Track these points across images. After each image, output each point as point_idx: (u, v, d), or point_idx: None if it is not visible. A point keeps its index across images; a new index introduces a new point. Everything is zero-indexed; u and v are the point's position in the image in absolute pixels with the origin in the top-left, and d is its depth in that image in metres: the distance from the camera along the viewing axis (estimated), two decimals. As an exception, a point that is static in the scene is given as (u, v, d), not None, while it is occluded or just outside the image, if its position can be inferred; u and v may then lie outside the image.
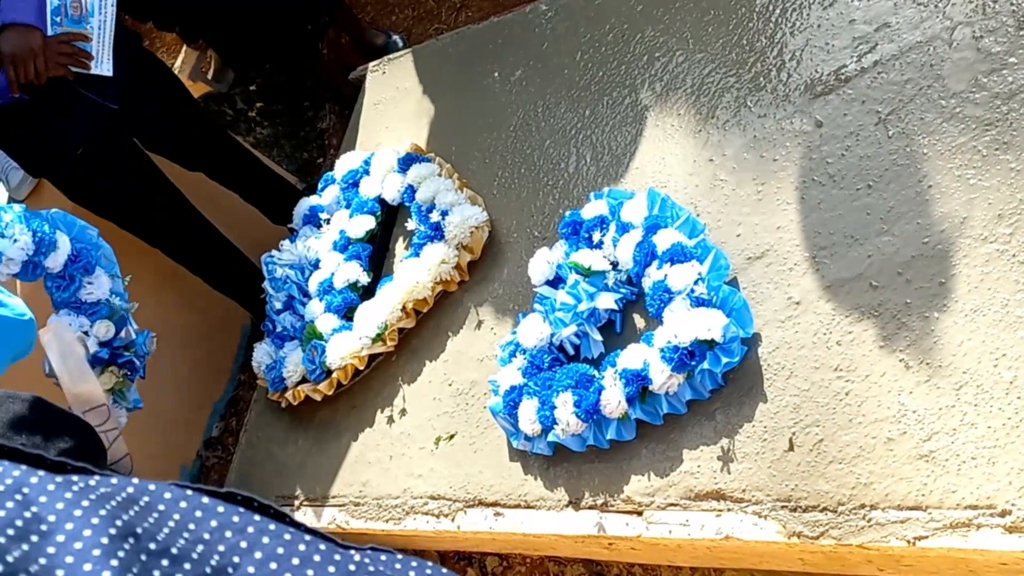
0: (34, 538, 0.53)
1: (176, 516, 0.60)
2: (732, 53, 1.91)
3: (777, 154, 1.73)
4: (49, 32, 2.01)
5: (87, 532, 0.54)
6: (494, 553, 2.24)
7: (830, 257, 1.58)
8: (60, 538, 0.53)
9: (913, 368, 1.41)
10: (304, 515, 2.14)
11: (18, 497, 0.55)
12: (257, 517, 0.64)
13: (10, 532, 0.53)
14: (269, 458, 2.32)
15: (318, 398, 2.21)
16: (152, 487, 0.62)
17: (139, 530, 0.56)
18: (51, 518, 0.55)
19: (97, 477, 0.61)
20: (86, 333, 1.93)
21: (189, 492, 0.63)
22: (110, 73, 2.07)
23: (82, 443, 1.56)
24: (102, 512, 0.56)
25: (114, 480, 0.61)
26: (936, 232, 1.47)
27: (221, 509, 0.63)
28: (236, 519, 0.63)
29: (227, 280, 2.73)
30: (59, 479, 0.58)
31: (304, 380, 2.26)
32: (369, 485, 2.05)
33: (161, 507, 0.60)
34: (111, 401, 1.95)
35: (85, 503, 0.56)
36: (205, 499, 0.63)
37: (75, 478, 0.59)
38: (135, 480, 0.61)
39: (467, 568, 2.29)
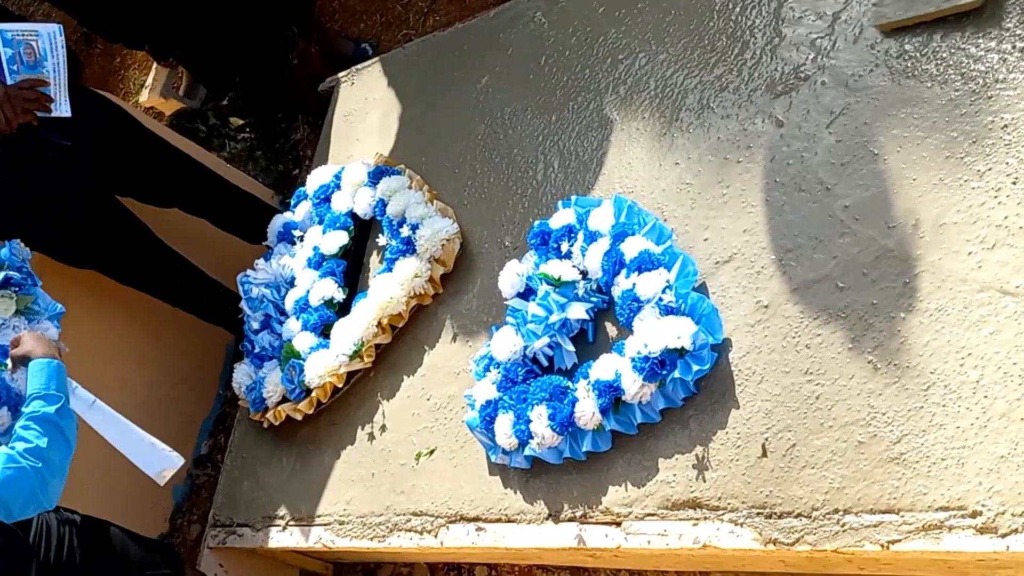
0: None
1: None
2: (694, 53, 1.90)
3: (741, 156, 1.72)
4: (8, 81, 2.02)
5: None
6: (483, 563, 2.24)
7: (796, 259, 1.57)
8: None
9: (881, 370, 1.41)
10: (291, 535, 2.14)
11: None
12: None
13: None
14: (254, 478, 2.32)
15: (299, 417, 2.20)
16: None
17: None
18: None
19: None
20: None
21: None
22: (69, 114, 2.08)
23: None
24: None
25: None
26: (897, 232, 1.47)
27: None
28: None
29: (204, 308, 2.72)
30: None
31: (284, 399, 2.25)
32: (353, 503, 2.05)
33: None
34: (25, 323, 1.87)
35: None
36: None
37: None
38: None
39: (457, 578, 2.29)
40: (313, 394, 2.15)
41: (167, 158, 2.51)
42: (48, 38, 2.03)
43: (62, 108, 2.06)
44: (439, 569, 2.31)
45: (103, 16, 3.11)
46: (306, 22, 3.15)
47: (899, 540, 1.32)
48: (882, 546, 1.33)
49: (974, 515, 1.26)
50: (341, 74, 2.82)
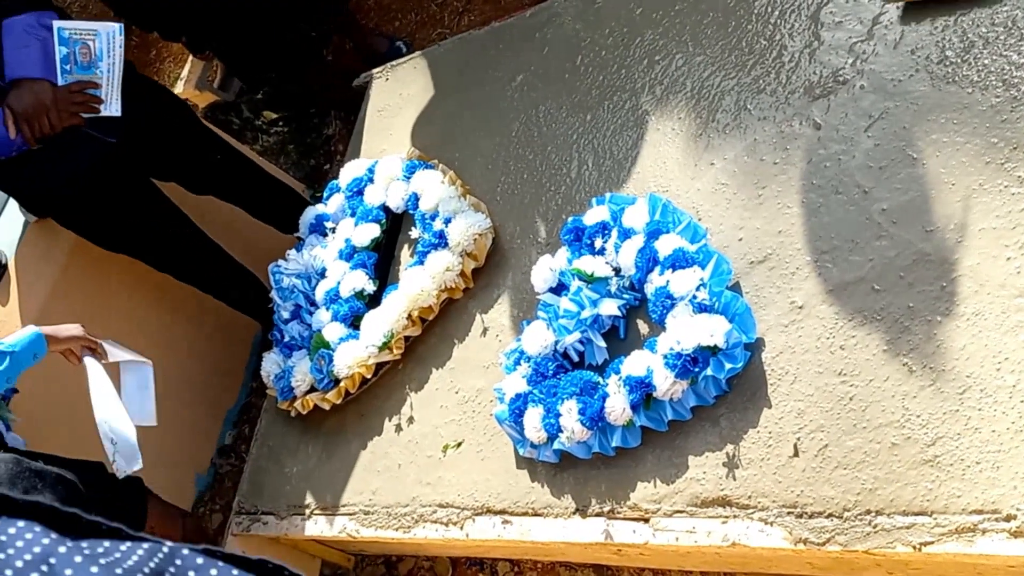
0: None
1: None
2: (731, 56, 1.90)
3: (777, 157, 1.73)
4: (60, 82, 2.02)
5: None
6: (506, 558, 2.24)
7: (832, 261, 1.57)
8: None
9: (916, 372, 1.41)
10: (316, 524, 2.15)
11: (44, 568, 0.52)
12: None
13: None
14: (280, 467, 2.34)
15: (326, 407, 2.22)
16: (184, 552, 0.58)
17: None
18: None
19: (127, 544, 0.58)
20: None
21: (220, 563, 0.59)
22: (119, 113, 2.08)
23: (66, 498, 1.64)
24: None
25: (144, 547, 0.58)
26: (935, 236, 1.47)
27: None
28: None
29: (235, 295, 2.74)
30: (86, 549, 0.55)
31: (312, 389, 2.27)
32: (378, 493, 2.06)
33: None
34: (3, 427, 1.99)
35: None
36: (235, 571, 0.60)
37: (102, 548, 0.56)
38: (165, 547, 0.58)
39: (479, 573, 2.30)
40: (341, 384, 2.17)
41: (211, 143, 2.54)
42: (107, 38, 2.02)
43: (112, 108, 2.06)
44: (461, 564, 2.32)
45: (140, 7, 3.15)
46: (341, 18, 3.18)
47: (931, 542, 1.31)
48: (914, 548, 1.32)
49: (1008, 519, 1.26)
50: (375, 70, 2.84)
